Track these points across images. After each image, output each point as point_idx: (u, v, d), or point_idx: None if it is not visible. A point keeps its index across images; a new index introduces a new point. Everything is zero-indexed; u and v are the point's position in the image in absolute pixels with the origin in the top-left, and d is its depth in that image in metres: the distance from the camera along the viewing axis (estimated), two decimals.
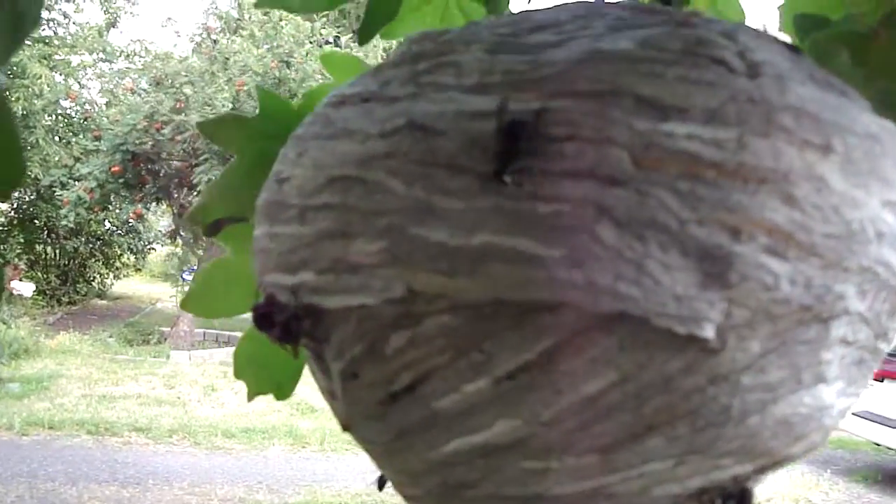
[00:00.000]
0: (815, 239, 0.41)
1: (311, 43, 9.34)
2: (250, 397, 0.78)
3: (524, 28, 0.49)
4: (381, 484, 0.58)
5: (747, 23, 0.78)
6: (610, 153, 0.40)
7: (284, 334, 0.50)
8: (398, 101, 0.47)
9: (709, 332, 0.40)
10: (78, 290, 11.61)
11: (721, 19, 0.49)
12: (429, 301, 0.43)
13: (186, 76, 9.28)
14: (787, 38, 0.73)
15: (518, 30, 0.48)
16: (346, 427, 0.52)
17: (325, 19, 10.12)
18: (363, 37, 0.62)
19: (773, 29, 0.76)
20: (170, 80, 9.30)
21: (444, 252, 0.41)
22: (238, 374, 0.77)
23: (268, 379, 0.76)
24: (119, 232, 11.45)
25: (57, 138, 10.53)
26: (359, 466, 5.87)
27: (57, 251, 11.25)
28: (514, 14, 0.53)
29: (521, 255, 0.40)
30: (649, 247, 0.39)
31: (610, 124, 0.40)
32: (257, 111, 0.72)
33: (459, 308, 0.42)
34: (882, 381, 6.51)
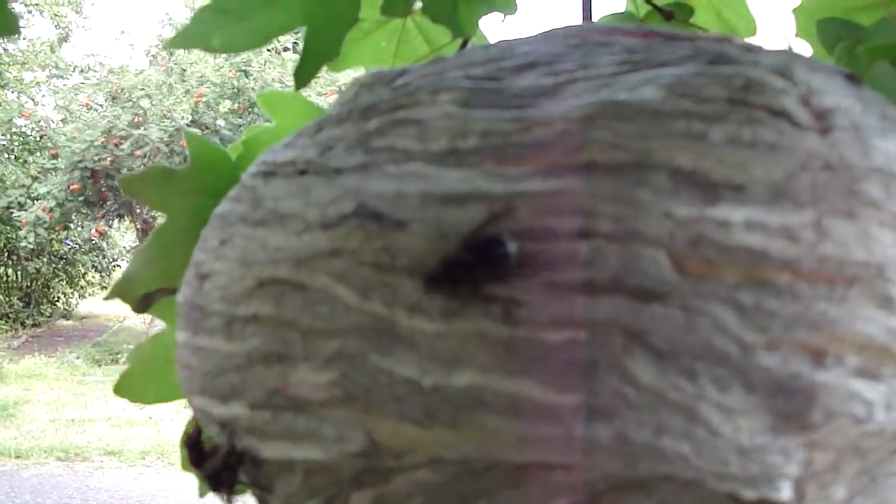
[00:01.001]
0: None
1: (269, 51, 9.19)
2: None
3: (506, 67, 0.37)
4: None
5: (762, 35, 0.68)
6: (641, 255, 0.28)
7: (213, 481, 0.38)
8: (343, 175, 0.35)
9: (785, 493, 0.29)
10: (42, 311, 11.38)
11: (759, 46, 0.38)
12: (398, 455, 0.31)
13: (143, 89, 9.13)
14: (807, 47, 0.63)
15: (498, 70, 0.37)
16: None
17: None
18: (300, 78, 0.51)
19: (790, 36, 0.65)
20: (126, 94, 9.15)
21: (415, 393, 0.30)
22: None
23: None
24: (82, 250, 11.24)
25: (13, 158, 10.32)
26: None
27: (18, 273, 11.02)
28: (490, 46, 0.41)
29: (521, 403, 0.28)
30: (702, 385, 0.28)
31: (638, 212, 0.29)
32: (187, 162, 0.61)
33: (441, 463, 0.31)
34: None
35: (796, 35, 0.65)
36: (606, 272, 0.28)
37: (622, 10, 0.64)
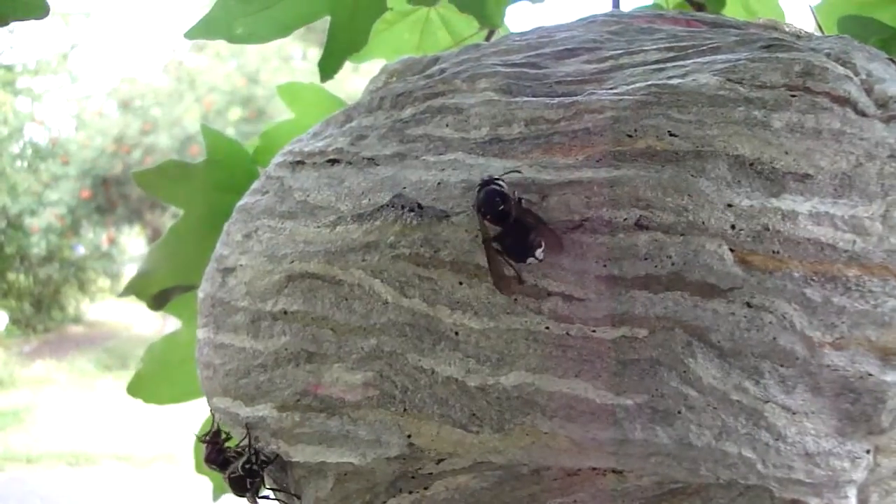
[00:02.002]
0: None
1: (278, 59, 9.20)
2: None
3: (547, 53, 0.35)
4: None
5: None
6: (702, 248, 0.27)
7: (236, 485, 0.36)
8: (377, 166, 0.34)
9: (851, 499, 0.27)
10: (53, 317, 11.39)
11: (810, 32, 0.36)
12: (439, 460, 0.29)
13: (154, 97, 9.16)
14: None
15: (539, 56, 0.35)
16: None
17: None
18: (325, 70, 0.49)
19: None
20: (137, 102, 9.18)
21: (459, 394, 0.28)
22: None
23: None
24: (93, 256, 11.28)
25: (25, 165, 10.35)
26: None
27: (30, 279, 11.05)
28: (527, 33, 0.39)
29: (575, 405, 0.27)
30: (766, 386, 0.26)
31: (699, 203, 0.27)
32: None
33: (485, 468, 0.29)
34: None
35: (819, 27, 0.64)
36: (666, 266, 0.26)
37: (649, 3, 0.62)
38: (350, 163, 0.35)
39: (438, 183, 0.30)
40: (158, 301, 0.61)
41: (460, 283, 0.29)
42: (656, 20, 0.37)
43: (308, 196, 0.35)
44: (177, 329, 0.62)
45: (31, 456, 6.47)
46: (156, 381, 0.62)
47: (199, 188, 0.58)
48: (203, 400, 0.61)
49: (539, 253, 0.27)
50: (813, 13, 0.61)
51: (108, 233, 9.82)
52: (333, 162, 0.36)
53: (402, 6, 0.55)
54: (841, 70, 0.30)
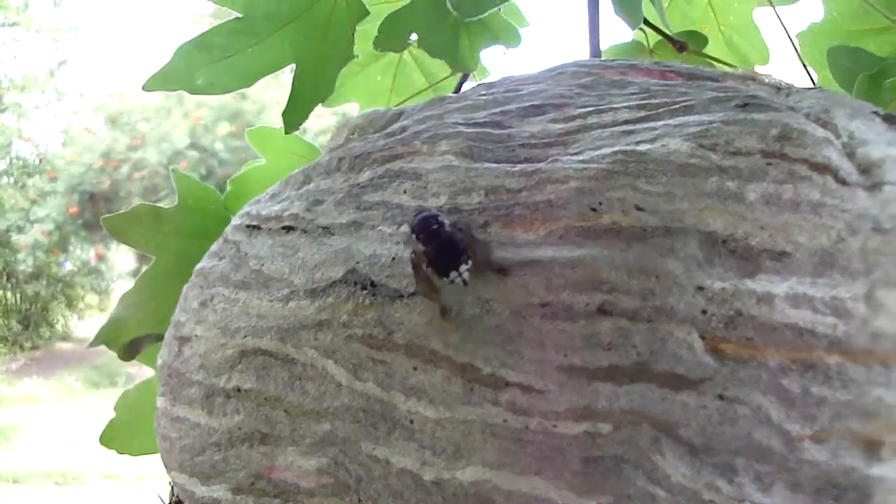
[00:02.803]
0: None
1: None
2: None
3: (513, 111, 0.33)
4: None
5: (774, 63, 0.65)
6: (670, 336, 0.25)
7: None
8: (332, 235, 0.32)
9: None
10: (41, 334, 11.34)
11: (790, 84, 0.35)
12: None
13: (141, 113, 9.15)
14: (812, 74, 0.60)
15: (504, 113, 0.33)
16: None
17: None
18: (290, 121, 0.47)
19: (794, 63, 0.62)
20: (125, 118, 9.17)
21: (414, 488, 0.27)
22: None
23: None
24: (81, 272, 11.25)
25: (12, 181, 10.33)
26: None
27: (17, 296, 11.01)
28: (494, 84, 0.38)
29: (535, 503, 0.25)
30: (741, 484, 0.24)
31: (666, 286, 0.25)
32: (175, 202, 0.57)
33: None
34: None
35: (801, 60, 0.62)
36: (631, 356, 0.25)
37: (629, 39, 0.61)
38: (305, 231, 0.33)
39: (393, 258, 0.29)
40: (129, 350, 0.59)
41: (415, 369, 0.27)
42: (629, 71, 0.36)
43: (263, 265, 0.33)
44: (150, 377, 0.61)
45: (18, 475, 6.42)
46: (129, 430, 0.60)
47: (170, 234, 0.56)
48: None
49: (463, 269, 0.27)
50: (794, 45, 0.60)
51: (96, 249, 9.78)
52: (289, 229, 0.34)
53: (371, 47, 0.53)
54: (821, 133, 0.28)
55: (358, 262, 0.29)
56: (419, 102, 0.39)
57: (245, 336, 0.32)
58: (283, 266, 0.32)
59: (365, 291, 0.29)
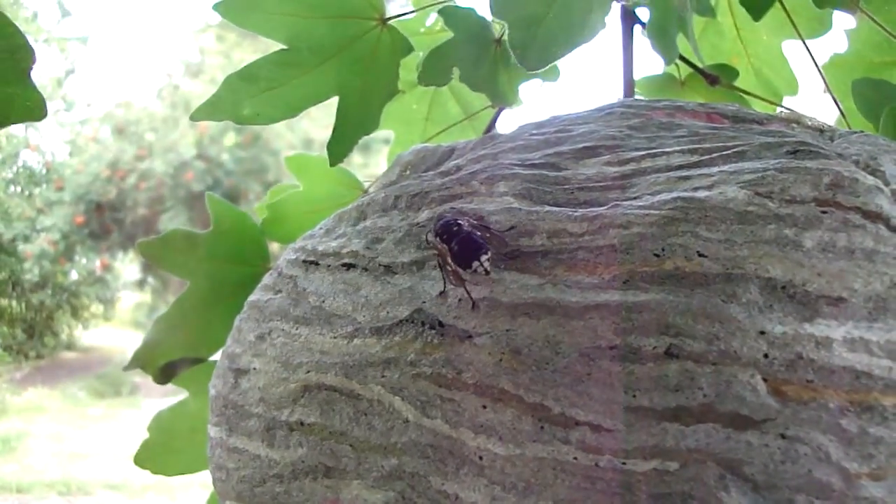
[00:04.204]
0: None
1: None
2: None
3: (566, 152, 0.35)
4: None
5: (804, 95, 0.66)
6: (734, 378, 0.26)
7: None
8: (395, 274, 0.33)
9: None
10: (45, 343, 11.34)
11: (831, 127, 0.36)
12: None
13: (148, 123, 9.18)
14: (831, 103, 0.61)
15: (558, 155, 0.35)
16: None
17: None
18: (335, 153, 0.48)
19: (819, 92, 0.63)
20: (132, 128, 9.20)
21: None
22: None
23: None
24: (86, 282, 11.25)
25: (19, 190, 10.35)
26: None
27: (22, 305, 11.01)
28: (543, 124, 0.39)
29: None
30: None
31: (730, 330, 0.26)
32: (210, 227, 0.58)
33: None
34: None
35: (826, 90, 0.63)
36: (698, 398, 0.26)
37: (660, 69, 0.62)
38: (366, 269, 0.34)
39: (459, 300, 0.30)
40: (165, 374, 0.60)
41: (484, 407, 0.28)
42: (676, 113, 0.37)
43: (323, 302, 0.34)
44: (182, 399, 0.62)
45: (22, 485, 6.42)
46: (163, 451, 0.61)
47: (204, 258, 0.57)
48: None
49: (484, 260, 0.29)
50: (822, 76, 0.61)
51: (102, 259, 9.82)
52: (349, 266, 0.35)
53: (409, 76, 0.54)
54: (870, 181, 0.30)
55: (424, 302, 0.31)
56: (467, 139, 0.40)
57: (308, 371, 0.33)
58: (345, 303, 0.33)
59: (433, 331, 0.30)
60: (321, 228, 0.39)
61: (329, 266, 0.36)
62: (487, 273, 0.30)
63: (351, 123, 0.47)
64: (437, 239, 0.31)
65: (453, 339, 0.29)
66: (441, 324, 0.30)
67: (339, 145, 0.47)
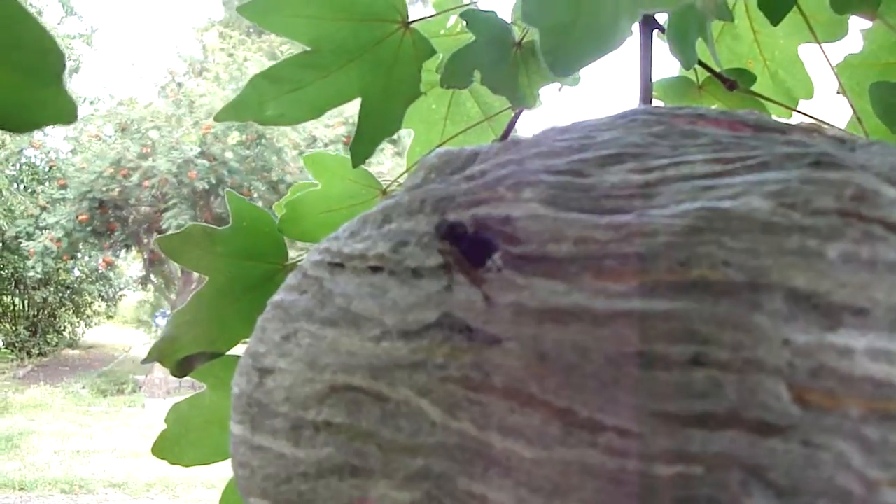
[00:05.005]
0: None
1: None
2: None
3: (591, 159, 0.35)
4: None
5: (817, 97, 0.66)
6: (759, 386, 0.26)
7: None
8: (422, 278, 0.34)
9: None
10: (48, 340, 11.39)
11: (852, 137, 0.36)
12: None
13: (152, 121, 9.20)
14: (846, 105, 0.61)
15: (583, 161, 0.35)
16: None
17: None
18: (357, 154, 0.49)
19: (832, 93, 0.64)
20: (135, 126, 9.22)
21: None
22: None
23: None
24: (89, 280, 11.28)
25: (22, 188, 10.37)
26: None
27: (25, 302, 11.04)
28: (566, 130, 0.39)
29: None
30: None
31: (755, 339, 0.27)
32: (230, 223, 0.59)
33: None
34: None
35: (839, 92, 0.64)
36: (723, 404, 0.26)
37: (676, 72, 0.63)
38: (393, 272, 0.35)
39: (486, 303, 0.30)
40: (183, 368, 0.61)
41: (512, 411, 0.28)
42: (698, 121, 0.37)
43: (350, 304, 0.35)
44: (200, 392, 0.63)
45: (25, 483, 6.43)
46: (180, 442, 0.62)
47: (223, 254, 0.58)
48: (227, 463, 0.61)
49: (496, 257, 0.31)
50: (838, 78, 0.62)
51: (105, 256, 9.85)
52: (375, 269, 0.35)
53: (429, 76, 0.55)
54: (893, 193, 0.30)
55: (452, 307, 0.31)
56: (490, 144, 0.41)
57: (335, 372, 0.34)
58: (372, 306, 0.34)
59: (461, 335, 0.30)
60: (345, 230, 0.40)
61: (355, 268, 0.36)
62: (500, 270, 0.30)
63: (373, 125, 0.48)
64: (445, 242, 0.32)
65: (482, 344, 0.30)
66: (469, 328, 0.30)
67: (362, 146, 0.48)
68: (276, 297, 0.41)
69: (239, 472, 0.39)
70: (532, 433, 0.28)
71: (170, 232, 0.59)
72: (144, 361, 0.62)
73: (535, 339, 0.29)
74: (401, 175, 0.58)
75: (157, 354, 0.60)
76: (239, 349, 0.60)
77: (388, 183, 0.57)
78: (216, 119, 0.50)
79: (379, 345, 0.33)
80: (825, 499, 0.26)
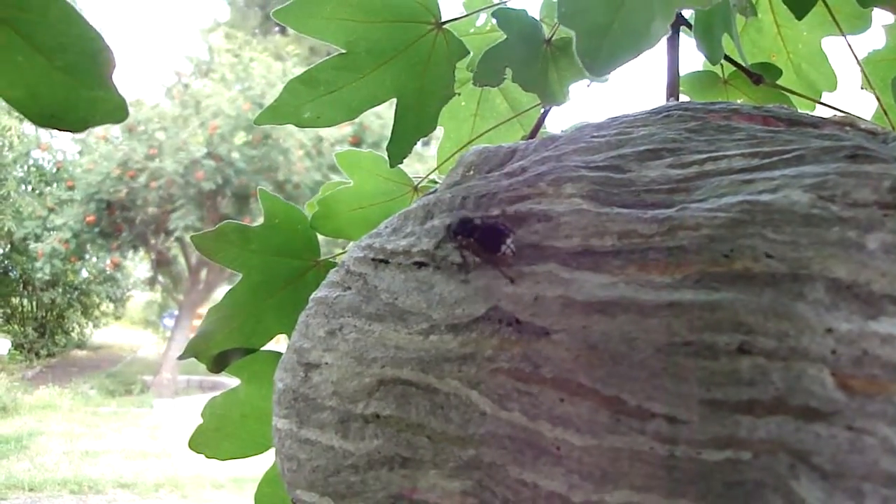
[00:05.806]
0: None
1: (282, 83, 9.25)
2: None
3: (629, 154, 0.36)
4: None
5: (838, 90, 0.67)
6: (804, 373, 0.27)
7: None
8: (469, 273, 0.34)
9: None
10: (56, 341, 11.39)
11: (883, 130, 0.37)
12: None
13: (159, 122, 9.20)
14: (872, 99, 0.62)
15: (621, 157, 0.36)
16: None
17: (295, 58, 10.05)
18: (394, 154, 0.50)
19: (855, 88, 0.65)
20: (142, 127, 9.22)
21: None
22: None
23: None
24: (97, 281, 11.28)
25: (30, 189, 10.38)
26: None
27: (34, 303, 11.05)
28: (602, 126, 0.40)
29: None
30: None
31: (799, 328, 0.28)
32: (261, 219, 0.60)
33: None
34: None
35: (864, 86, 0.65)
36: (769, 391, 0.27)
37: (698, 68, 0.63)
38: (438, 267, 0.35)
39: (535, 298, 0.31)
40: (218, 363, 0.62)
41: (561, 400, 0.29)
42: (733, 116, 0.38)
43: (396, 299, 0.36)
44: (235, 387, 0.63)
45: (34, 483, 6.44)
46: (216, 436, 0.63)
47: (256, 251, 0.59)
48: (260, 457, 0.62)
49: (509, 242, 0.33)
50: (862, 70, 0.62)
51: (113, 257, 9.87)
52: (420, 265, 0.36)
53: (459, 75, 0.56)
54: None
55: (499, 300, 0.32)
56: (527, 141, 0.42)
57: (383, 366, 0.35)
58: (419, 301, 0.35)
59: (510, 328, 0.31)
60: (387, 227, 0.41)
61: (400, 264, 0.37)
62: (514, 254, 0.33)
63: (409, 125, 0.49)
64: (460, 237, 0.35)
65: (530, 336, 0.31)
66: (518, 321, 0.31)
67: (399, 146, 0.49)
68: (319, 293, 0.41)
69: (285, 465, 0.40)
70: (582, 422, 0.29)
71: (203, 230, 0.60)
72: (181, 357, 0.63)
73: (583, 330, 0.30)
74: (431, 172, 0.60)
75: (193, 350, 0.61)
76: (270, 345, 0.61)
77: (420, 179, 0.58)
78: (256, 122, 0.51)
79: (427, 339, 0.33)
80: (870, 482, 0.27)
